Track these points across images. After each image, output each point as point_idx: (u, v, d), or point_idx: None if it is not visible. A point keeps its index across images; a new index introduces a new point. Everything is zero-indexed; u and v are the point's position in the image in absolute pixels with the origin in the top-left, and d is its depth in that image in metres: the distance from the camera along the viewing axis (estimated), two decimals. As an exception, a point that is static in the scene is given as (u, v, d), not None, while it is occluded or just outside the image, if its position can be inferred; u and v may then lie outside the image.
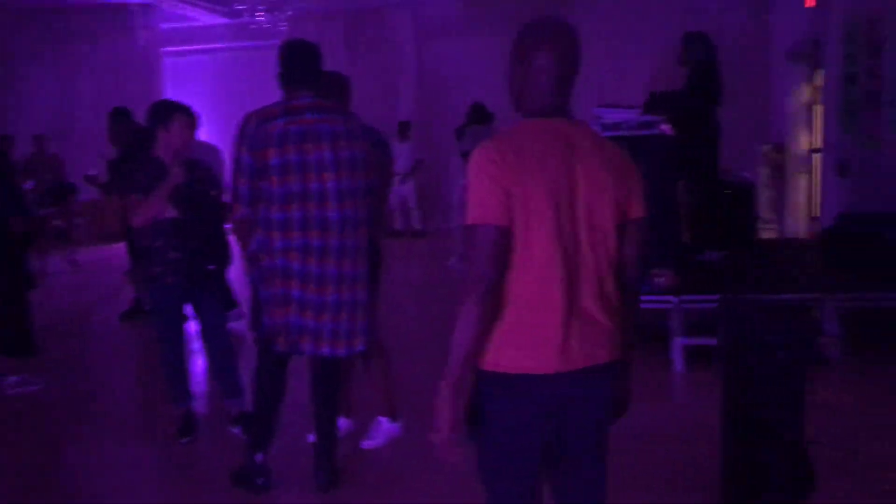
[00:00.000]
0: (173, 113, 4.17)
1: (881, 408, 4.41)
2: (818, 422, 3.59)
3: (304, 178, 3.25)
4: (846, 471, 3.55)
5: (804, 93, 9.31)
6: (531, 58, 2.01)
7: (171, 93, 12.77)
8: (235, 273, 4.36)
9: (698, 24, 8.60)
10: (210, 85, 12.50)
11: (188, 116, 4.22)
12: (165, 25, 12.71)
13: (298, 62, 3.43)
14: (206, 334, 4.39)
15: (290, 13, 9.07)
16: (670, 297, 5.26)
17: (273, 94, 3.47)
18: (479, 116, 9.43)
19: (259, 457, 3.58)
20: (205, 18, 12.11)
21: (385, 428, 4.13)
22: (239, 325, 5.92)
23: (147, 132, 4.25)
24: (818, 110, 8.85)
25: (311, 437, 3.76)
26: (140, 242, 4.28)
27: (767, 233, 9.21)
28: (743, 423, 3.25)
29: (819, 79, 8.70)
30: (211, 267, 4.26)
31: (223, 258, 4.32)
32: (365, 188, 3.42)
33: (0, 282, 5.62)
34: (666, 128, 5.91)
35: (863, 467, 3.58)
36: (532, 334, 1.95)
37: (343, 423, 4.08)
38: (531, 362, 1.95)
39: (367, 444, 4.09)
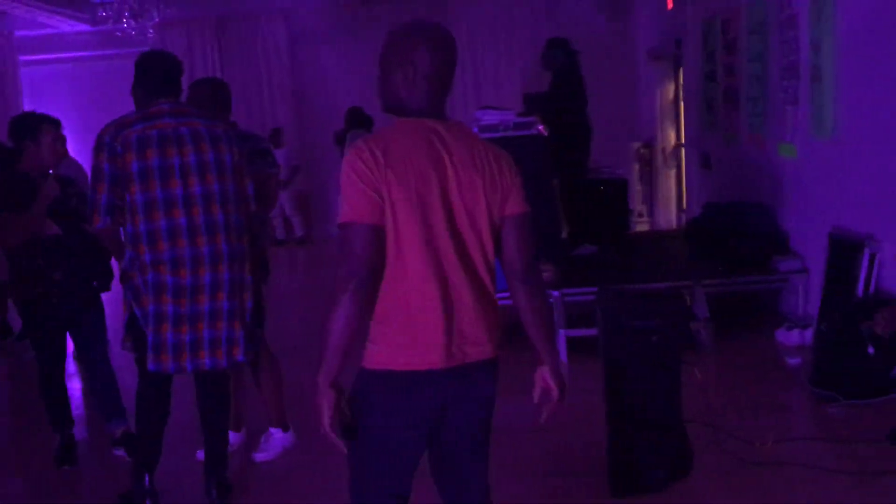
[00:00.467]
0: (42, 125, 3.99)
1: (747, 385, 4.70)
2: (692, 402, 3.81)
3: (166, 184, 3.15)
4: (718, 447, 3.76)
5: (669, 91, 9.79)
6: (410, 59, 2.02)
7: (29, 104, 12.08)
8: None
9: (563, 27, 8.92)
10: (73, 95, 11.89)
11: (58, 129, 4.04)
12: (21, 33, 12.03)
13: (155, 73, 3.33)
14: (85, 355, 4.22)
15: (157, 20, 8.76)
16: (552, 291, 5.43)
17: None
18: (358, 120, 9.44)
19: (146, 478, 3.45)
20: (65, 26, 11.53)
21: (277, 439, 4.07)
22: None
23: (6, 146, 4.04)
24: (683, 107, 9.33)
25: (201, 454, 3.68)
26: (16, 263, 4.05)
27: (641, 226, 9.63)
28: (624, 406, 3.41)
29: (683, 77, 9.17)
30: (94, 284, 4.10)
31: (106, 276, 4.14)
32: (236, 192, 3.33)
33: None
34: (542, 128, 6.10)
35: (733, 442, 3.80)
36: (414, 333, 1.99)
37: (233, 436, 4.00)
38: (416, 359, 2.00)
39: (259, 456, 4.03)
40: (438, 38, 2.06)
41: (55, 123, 4.05)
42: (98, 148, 3.17)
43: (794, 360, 4.95)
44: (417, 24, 2.09)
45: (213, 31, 11.82)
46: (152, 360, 3.27)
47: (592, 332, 4.86)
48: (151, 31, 9.04)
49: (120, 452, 4.11)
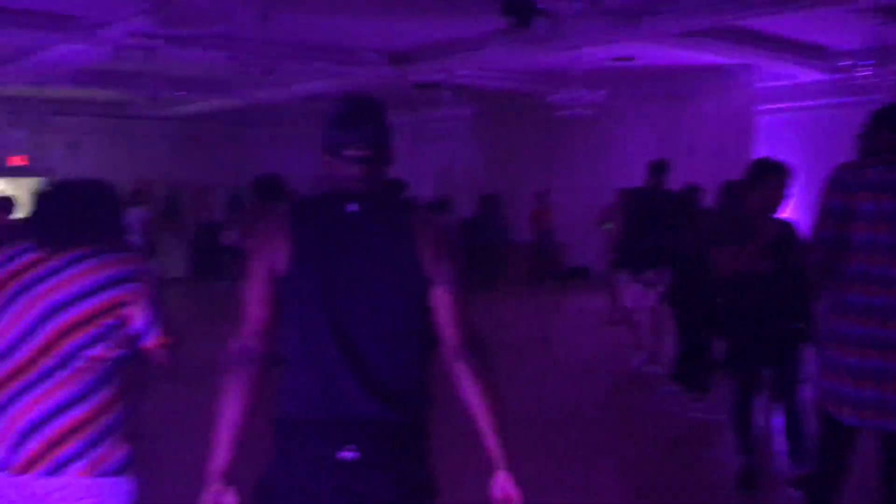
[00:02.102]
0: (769, 171, 4.33)
1: None
2: None
3: (894, 229, 3.07)
4: None
5: None
6: None
7: (761, 150, 12.90)
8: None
9: None
10: (804, 143, 12.26)
11: (783, 176, 4.30)
12: (760, 84, 12.92)
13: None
14: (781, 392, 4.42)
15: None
16: None
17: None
18: None
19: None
20: (802, 76, 11.97)
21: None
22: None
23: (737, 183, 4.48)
24: None
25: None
26: (726, 291, 4.51)
27: None
28: None
29: None
30: (796, 326, 4.29)
31: (809, 320, 4.28)
32: None
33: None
34: None
35: None
36: None
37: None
38: None
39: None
40: None
41: (782, 171, 4.31)
42: (831, 184, 3.24)
43: None
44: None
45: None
46: (832, 407, 3.26)
47: None
48: (890, 77, 8.70)
49: (795, 493, 4.19)
